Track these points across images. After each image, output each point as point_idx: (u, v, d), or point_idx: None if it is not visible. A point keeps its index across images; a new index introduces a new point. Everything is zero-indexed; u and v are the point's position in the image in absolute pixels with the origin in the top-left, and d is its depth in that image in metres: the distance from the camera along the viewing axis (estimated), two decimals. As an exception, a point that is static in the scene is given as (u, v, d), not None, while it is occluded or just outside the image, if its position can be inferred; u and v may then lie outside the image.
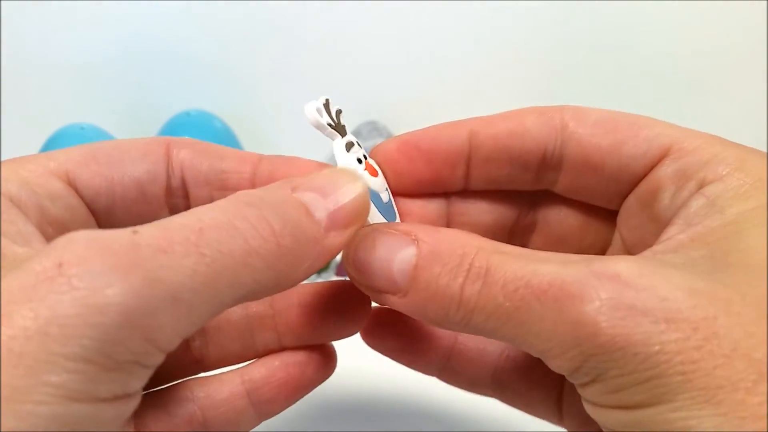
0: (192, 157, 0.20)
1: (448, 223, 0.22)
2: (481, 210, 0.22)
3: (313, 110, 0.20)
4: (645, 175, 0.19)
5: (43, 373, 0.12)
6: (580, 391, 0.17)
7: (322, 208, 0.17)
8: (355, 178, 0.18)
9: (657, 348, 0.15)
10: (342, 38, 0.54)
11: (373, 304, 0.22)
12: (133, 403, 0.15)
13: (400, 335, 0.23)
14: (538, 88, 0.56)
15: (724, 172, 0.17)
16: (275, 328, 0.22)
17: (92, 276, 0.13)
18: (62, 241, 0.14)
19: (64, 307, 0.13)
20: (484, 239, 0.18)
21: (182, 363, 0.22)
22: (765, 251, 0.16)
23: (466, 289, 0.17)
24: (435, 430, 0.30)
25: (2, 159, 0.18)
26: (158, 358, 0.15)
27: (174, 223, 0.15)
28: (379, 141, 0.52)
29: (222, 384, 0.21)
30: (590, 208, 0.22)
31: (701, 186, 0.18)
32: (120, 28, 0.52)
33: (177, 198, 0.20)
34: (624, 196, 0.20)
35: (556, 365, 0.17)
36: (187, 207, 0.20)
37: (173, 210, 0.20)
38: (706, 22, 0.55)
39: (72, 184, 0.19)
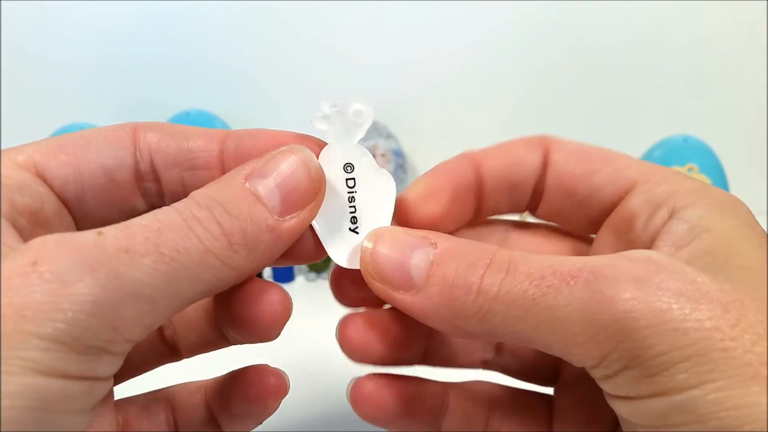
0: (159, 140, 0.20)
1: None
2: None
3: (318, 119, 0.21)
4: (615, 204, 0.21)
5: (17, 349, 0.14)
6: (607, 385, 0.17)
7: (274, 194, 0.18)
8: (303, 160, 0.19)
9: (696, 324, 0.15)
10: (342, 39, 0.54)
11: (352, 378, 0.22)
12: (104, 386, 0.16)
13: (392, 402, 0.22)
14: (538, 88, 0.56)
15: (692, 200, 0.18)
16: (217, 323, 0.22)
17: (63, 272, 0.14)
18: (35, 243, 0.15)
19: (38, 296, 0.14)
20: (502, 247, 0.18)
21: (158, 350, 0.23)
22: (758, 259, 0.17)
23: (486, 279, 0.17)
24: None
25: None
26: (125, 347, 0.16)
27: (135, 224, 0.16)
28: (379, 141, 0.52)
29: (191, 393, 0.23)
30: (561, 245, 0.23)
31: (672, 212, 0.19)
32: (120, 28, 0.52)
33: (148, 182, 0.21)
34: (595, 223, 0.22)
35: (582, 353, 0.16)
36: (159, 190, 0.21)
37: (145, 194, 0.21)
38: (706, 22, 0.55)
39: (41, 175, 0.19)
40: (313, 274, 0.48)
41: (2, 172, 0.18)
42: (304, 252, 0.20)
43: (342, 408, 0.31)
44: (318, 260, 0.21)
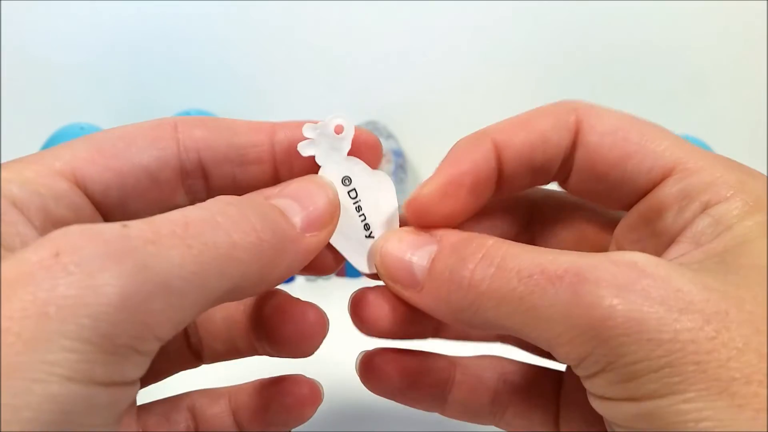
0: (207, 137, 0.20)
1: None
2: (481, 228, 0.23)
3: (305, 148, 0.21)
4: (648, 191, 0.20)
5: (40, 351, 0.12)
6: (587, 384, 0.17)
7: (296, 212, 0.18)
8: (323, 185, 0.20)
9: (671, 335, 0.15)
10: (342, 38, 0.54)
11: (362, 350, 0.23)
12: (129, 394, 0.15)
13: (398, 375, 0.23)
14: (538, 88, 0.56)
15: (727, 194, 0.18)
16: (248, 334, 0.23)
17: (87, 262, 0.13)
18: (57, 233, 0.14)
19: (62, 289, 0.13)
20: (502, 239, 0.18)
21: (183, 357, 0.23)
22: None
23: (477, 274, 0.17)
24: (434, 430, 0.30)
25: (2, 159, 0.18)
26: (154, 345, 0.15)
27: (161, 218, 0.15)
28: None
29: (213, 400, 0.23)
30: (586, 223, 0.22)
31: (705, 207, 0.18)
32: (120, 27, 0.52)
33: (194, 179, 0.20)
34: (625, 204, 0.21)
35: (564, 353, 0.16)
36: (206, 187, 0.21)
37: (190, 192, 0.21)
38: (706, 22, 0.55)
39: (80, 182, 0.19)
40: (312, 275, 0.48)
41: (39, 180, 0.18)
42: (323, 265, 0.21)
43: (343, 405, 0.31)
44: (335, 271, 0.22)
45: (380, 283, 0.21)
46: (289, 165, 0.21)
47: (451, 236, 0.19)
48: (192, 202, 0.20)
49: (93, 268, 0.13)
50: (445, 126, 0.57)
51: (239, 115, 0.54)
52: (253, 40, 0.54)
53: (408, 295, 0.19)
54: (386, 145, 0.52)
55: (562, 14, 0.54)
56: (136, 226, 0.15)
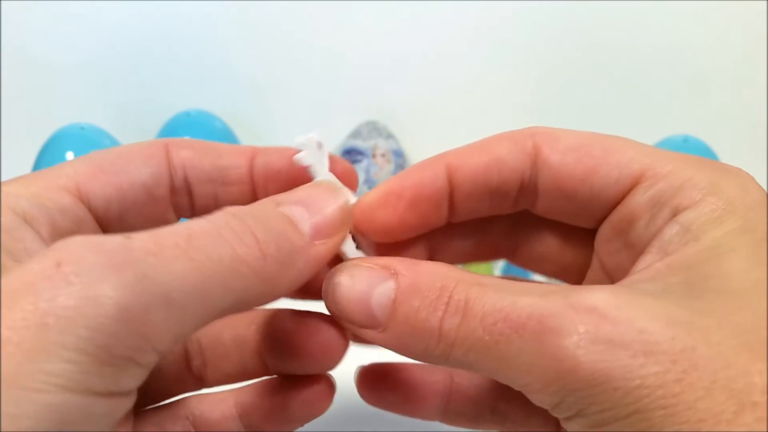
0: (193, 157, 0.21)
1: (431, 256, 0.23)
2: (463, 238, 0.23)
3: (300, 157, 0.21)
4: (618, 201, 0.19)
5: (40, 361, 0.13)
6: (564, 424, 0.17)
7: (305, 220, 0.18)
8: (335, 190, 0.19)
9: (637, 382, 0.15)
10: (342, 38, 0.54)
11: (359, 365, 0.23)
12: (126, 404, 0.15)
13: (396, 387, 0.23)
14: (537, 88, 0.56)
15: (697, 198, 0.18)
16: (260, 353, 0.22)
17: (87, 272, 0.14)
18: (59, 243, 0.14)
19: (61, 299, 0.13)
20: (464, 272, 0.18)
21: (184, 382, 0.23)
22: (742, 275, 0.16)
23: (446, 323, 0.17)
24: (435, 430, 0.30)
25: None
26: (152, 357, 0.15)
27: (164, 230, 0.16)
28: (379, 141, 0.52)
29: (216, 405, 0.22)
30: (568, 228, 0.22)
31: (675, 213, 0.18)
32: (120, 28, 0.52)
33: (180, 197, 0.21)
34: (598, 219, 0.20)
35: (537, 399, 0.17)
36: (191, 204, 0.21)
37: (177, 208, 0.21)
38: (707, 22, 0.55)
39: (83, 197, 0.19)
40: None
41: (46, 194, 0.18)
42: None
43: (343, 405, 0.31)
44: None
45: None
46: (266, 187, 0.21)
47: (407, 269, 0.18)
48: (178, 219, 0.21)
49: (93, 279, 0.14)
50: (445, 126, 0.57)
51: (239, 114, 0.55)
52: (253, 40, 0.54)
53: (366, 333, 0.18)
54: (386, 145, 0.52)
55: (561, 14, 0.54)
56: (138, 237, 0.15)
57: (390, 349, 0.19)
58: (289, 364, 0.22)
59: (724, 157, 0.48)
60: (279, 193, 0.20)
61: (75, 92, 0.54)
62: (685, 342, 0.15)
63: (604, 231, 0.20)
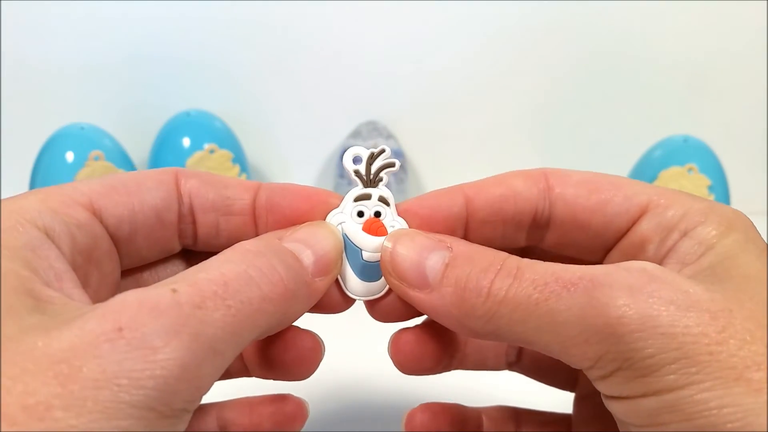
0: (199, 186, 0.22)
1: None
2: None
3: (348, 156, 0.22)
4: (628, 230, 0.21)
5: (113, 419, 0.14)
6: (602, 386, 0.18)
7: (308, 257, 0.20)
8: (331, 232, 0.21)
9: (683, 329, 0.16)
10: (342, 39, 0.54)
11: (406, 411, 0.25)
12: None
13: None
14: (537, 89, 0.56)
15: (702, 219, 0.20)
16: (241, 357, 0.24)
17: (150, 337, 0.15)
18: (115, 304, 0.16)
19: (129, 363, 0.15)
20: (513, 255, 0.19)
21: None
22: (758, 267, 0.18)
23: (495, 284, 0.18)
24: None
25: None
26: (199, 403, 0.16)
27: (202, 279, 0.17)
28: (379, 141, 0.52)
29: (200, 416, 0.24)
30: (573, 262, 0.23)
31: (686, 232, 0.20)
32: (120, 29, 0.52)
33: (186, 224, 0.22)
34: (607, 250, 0.22)
35: (579, 354, 0.17)
36: (194, 232, 0.22)
37: (182, 234, 0.22)
38: (706, 22, 0.55)
39: (97, 214, 0.20)
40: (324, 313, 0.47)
41: (63, 209, 0.19)
42: (332, 304, 0.22)
43: (344, 407, 0.31)
44: (345, 310, 0.23)
45: (404, 324, 0.23)
46: (266, 219, 0.22)
47: (461, 245, 0.20)
48: (182, 246, 0.23)
49: (156, 344, 0.15)
50: (445, 126, 0.57)
51: (239, 114, 0.55)
52: (253, 41, 0.54)
53: (414, 295, 0.20)
54: (386, 145, 0.52)
55: (562, 15, 0.54)
56: (184, 291, 0.16)
57: (432, 311, 0.20)
58: (267, 370, 0.23)
59: (725, 157, 0.48)
60: (279, 226, 0.22)
61: (75, 92, 0.54)
62: (723, 304, 0.17)
63: (614, 258, 0.22)
